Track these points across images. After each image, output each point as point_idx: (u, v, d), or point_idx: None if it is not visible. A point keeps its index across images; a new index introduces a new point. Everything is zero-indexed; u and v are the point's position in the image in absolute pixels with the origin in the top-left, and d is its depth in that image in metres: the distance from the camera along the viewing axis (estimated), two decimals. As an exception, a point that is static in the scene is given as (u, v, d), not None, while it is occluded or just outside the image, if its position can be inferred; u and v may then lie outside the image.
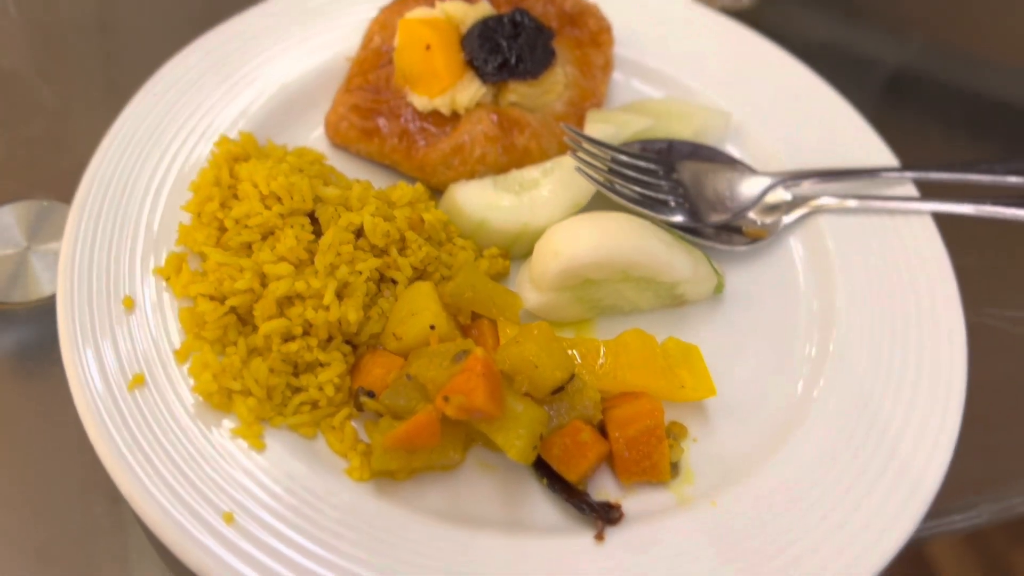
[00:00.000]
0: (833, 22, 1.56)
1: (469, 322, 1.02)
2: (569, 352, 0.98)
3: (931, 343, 1.05)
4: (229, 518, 0.84)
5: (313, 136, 1.21)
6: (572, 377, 0.94)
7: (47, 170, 1.22)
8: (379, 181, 1.15)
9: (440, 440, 0.89)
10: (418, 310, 0.98)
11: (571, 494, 0.91)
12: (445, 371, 0.89)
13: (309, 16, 1.29)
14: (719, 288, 1.10)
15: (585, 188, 1.11)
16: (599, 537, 0.89)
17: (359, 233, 1.02)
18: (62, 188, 1.12)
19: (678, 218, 1.12)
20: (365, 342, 1.00)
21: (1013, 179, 1.18)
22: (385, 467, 0.89)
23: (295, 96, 1.22)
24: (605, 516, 0.90)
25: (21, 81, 1.32)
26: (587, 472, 0.93)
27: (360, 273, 0.99)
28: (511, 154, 1.16)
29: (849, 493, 0.93)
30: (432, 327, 0.96)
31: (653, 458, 0.93)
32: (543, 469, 0.93)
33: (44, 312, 1.07)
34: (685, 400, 1.00)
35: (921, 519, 0.92)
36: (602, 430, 0.95)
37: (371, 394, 0.93)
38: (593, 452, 0.92)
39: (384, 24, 1.23)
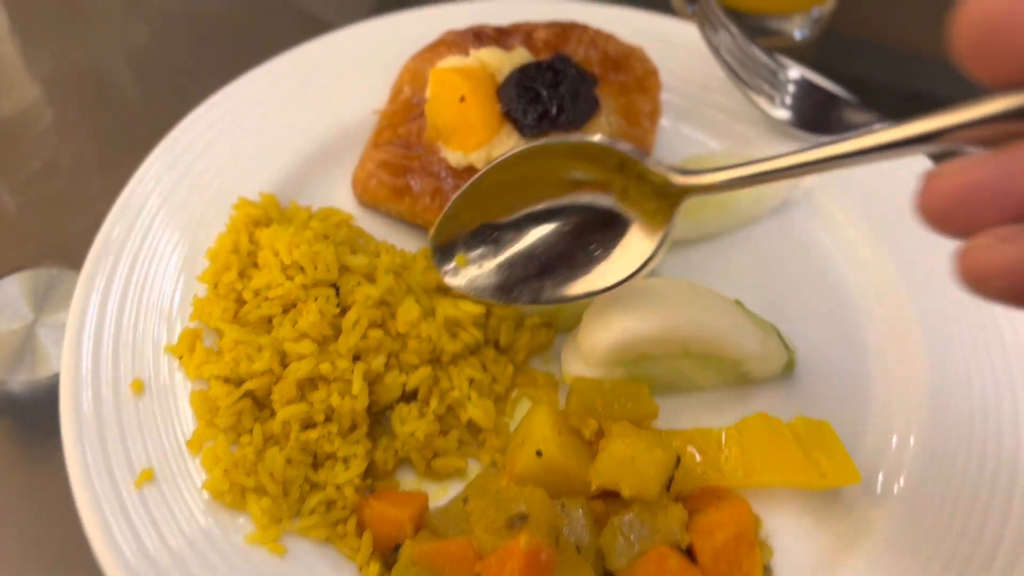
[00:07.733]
0: (889, 62, 1.45)
1: (594, 438, 0.88)
2: (688, 449, 0.87)
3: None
4: (247, 639, 0.75)
5: (340, 195, 1.12)
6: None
7: (58, 235, 1.14)
8: (411, 241, 1.07)
9: None
10: (527, 437, 0.86)
11: None
12: (494, 536, 0.77)
13: (333, 66, 1.21)
14: (789, 366, 0.98)
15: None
16: None
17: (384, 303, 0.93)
18: (74, 254, 1.04)
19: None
20: None
21: None
22: None
23: (320, 153, 1.13)
24: None
25: (33, 139, 1.26)
26: None
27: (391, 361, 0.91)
28: (553, 211, 1.06)
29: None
30: (539, 453, 0.84)
31: (744, 567, 0.82)
32: None
33: (52, 391, 0.99)
34: (825, 488, 0.88)
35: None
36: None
37: (397, 547, 0.83)
38: None
39: (414, 74, 1.15)
